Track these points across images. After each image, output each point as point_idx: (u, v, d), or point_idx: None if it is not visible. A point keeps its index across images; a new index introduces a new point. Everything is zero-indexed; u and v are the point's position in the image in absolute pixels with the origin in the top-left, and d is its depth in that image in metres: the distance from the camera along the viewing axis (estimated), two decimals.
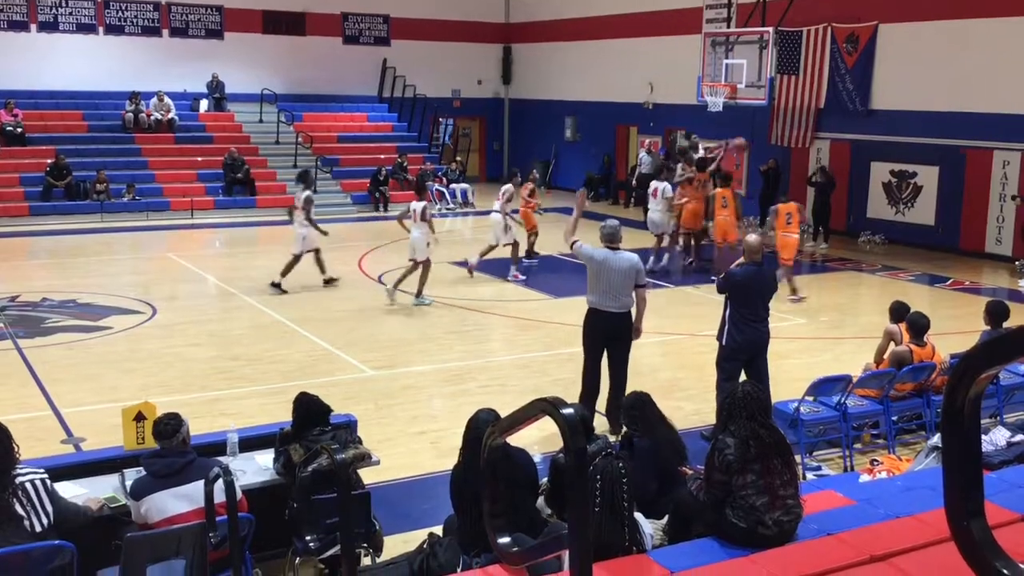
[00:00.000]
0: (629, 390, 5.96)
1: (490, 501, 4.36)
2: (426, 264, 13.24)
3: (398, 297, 13.25)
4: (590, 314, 8.36)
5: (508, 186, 16.31)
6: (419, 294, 13.26)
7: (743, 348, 8.11)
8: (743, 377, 7.88)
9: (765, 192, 20.34)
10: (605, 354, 8.45)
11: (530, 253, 16.75)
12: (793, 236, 14.29)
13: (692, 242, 16.81)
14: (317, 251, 14.25)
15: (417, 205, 13.32)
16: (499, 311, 13.04)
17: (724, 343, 8.20)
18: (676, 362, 10.99)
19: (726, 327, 8.16)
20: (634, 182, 23.64)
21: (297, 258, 14.10)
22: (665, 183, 16.39)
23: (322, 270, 14.33)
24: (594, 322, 8.35)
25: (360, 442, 5.78)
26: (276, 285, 13.95)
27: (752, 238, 8.38)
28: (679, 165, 17.80)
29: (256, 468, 5.79)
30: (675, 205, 16.31)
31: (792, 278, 14.13)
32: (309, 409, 5.72)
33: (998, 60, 17.21)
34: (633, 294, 8.28)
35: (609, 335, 8.38)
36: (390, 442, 7.99)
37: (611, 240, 8.34)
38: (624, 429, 5.77)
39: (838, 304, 14.30)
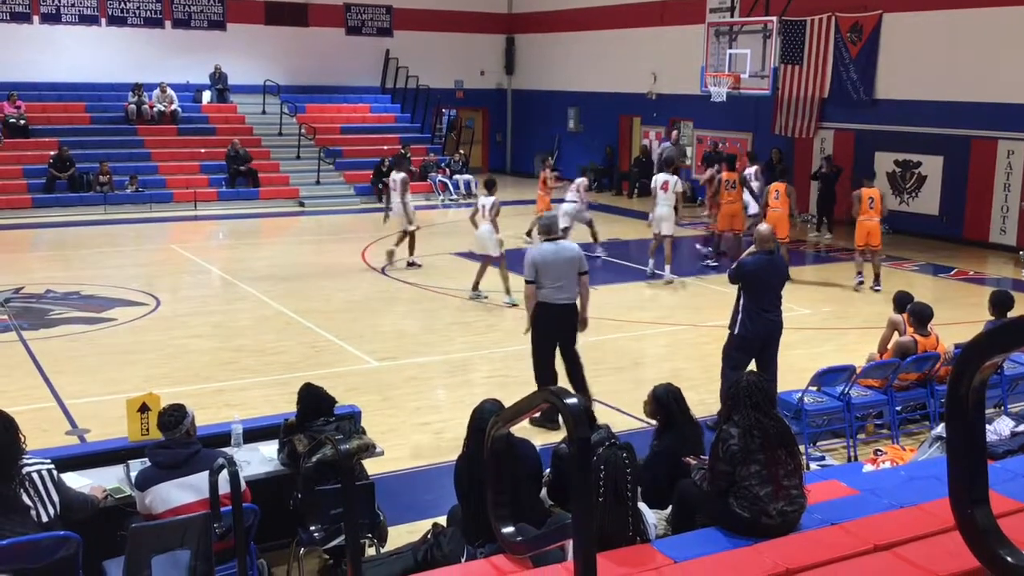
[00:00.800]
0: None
1: (494, 491, 4.37)
2: (492, 259, 12.96)
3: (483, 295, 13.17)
4: (540, 308, 8.19)
5: (583, 179, 16.78)
6: (476, 287, 13.12)
7: (756, 338, 8.10)
8: (752, 367, 7.88)
9: (769, 182, 20.25)
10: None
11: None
12: (874, 221, 14.09)
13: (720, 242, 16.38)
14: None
15: (487, 200, 13.12)
16: (501, 301, 13.02)
17: (736, 332, 8.19)
18: (679, 352, 10.98)
19: (739, 317, 8.15)
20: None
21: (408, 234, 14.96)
22: (675, 177, 15.52)
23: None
24: (545, 316, 8.20)
25: (364, 433, 5.79)
26: (412, 264, 14.78)
27: (763, 227, 8.35)
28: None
29: (260, 459, 5.80)
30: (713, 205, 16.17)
31: (878, 265, 14.25)
32: (313, 400, 5.73)
33: (1002, 49, 17.15)
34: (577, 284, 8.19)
35: (560, 327, 8.28)
36: (394, 433, 8.00)
37: (549, 232, 8.35)
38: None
39: (842, 294, 14.28)
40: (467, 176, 24.98)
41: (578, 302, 8.30)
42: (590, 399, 7.87)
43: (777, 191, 15.06)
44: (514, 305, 12.29)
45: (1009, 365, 8.44)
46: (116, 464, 5.63)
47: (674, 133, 23.13)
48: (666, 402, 5.64)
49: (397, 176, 14.27)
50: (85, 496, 5.05)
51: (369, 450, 5.63)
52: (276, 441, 5.88)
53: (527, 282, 8.18)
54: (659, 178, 14.97)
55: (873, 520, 4.60)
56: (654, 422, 5.84)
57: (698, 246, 17.47)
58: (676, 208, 14.62)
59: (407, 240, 15.11)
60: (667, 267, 14.54)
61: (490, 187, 13.46)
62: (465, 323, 12.05)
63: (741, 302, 8.19)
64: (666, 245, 14.60)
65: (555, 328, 8.27)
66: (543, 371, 8.37)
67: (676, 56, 23.24)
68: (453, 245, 17.38)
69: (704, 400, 8.89)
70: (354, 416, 6.16)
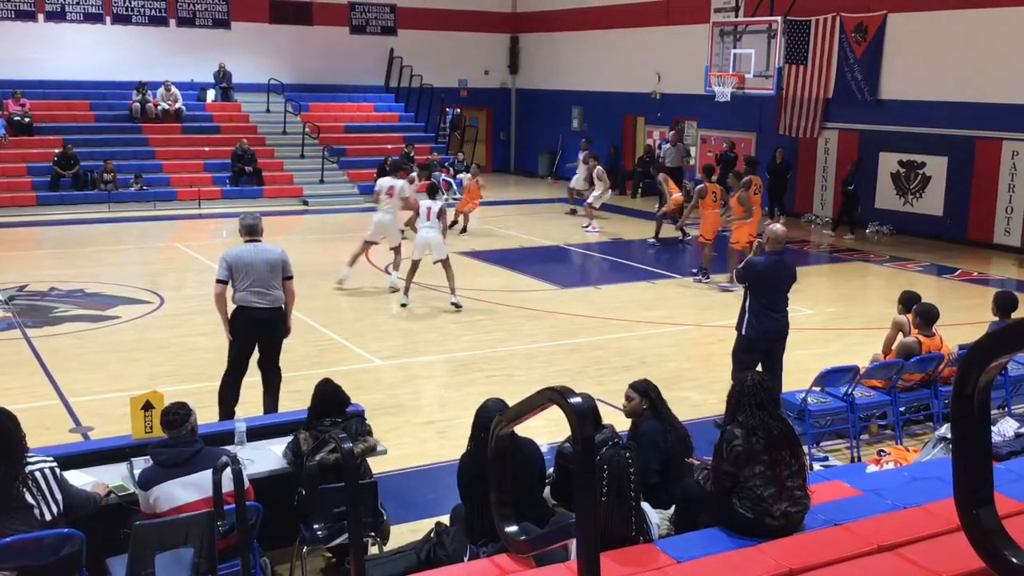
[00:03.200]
0: (638, 378, 5.94)
1: (497, 490, 4.37)
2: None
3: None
4: (237, 311, 7.83)
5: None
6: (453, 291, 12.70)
7: (762, 338, 8.09)
8: (758, 367, 7.87)
9: (774, 184, 20.28)
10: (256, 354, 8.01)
11: None
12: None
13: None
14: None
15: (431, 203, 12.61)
16: (505, 301, 13.03)
17: (743, 333, 8.18)
18: (683, 352, 10.98)
19: (746, 317, 8.14)
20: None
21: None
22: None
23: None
24: (242, 320, 7.82)
25: (371, 433, 5.77)
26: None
27: (777, 227, 8.33)
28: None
29: (264, 457, 5.80)
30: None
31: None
32: (326, 398, 5.73)
33: (1007, 50, 17.12)
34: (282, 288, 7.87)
35: (259, 332, 7.85)
36: (397, 431, 8.00)
37: (251, 233, 8.13)
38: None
39: (846, 295, 14.27)
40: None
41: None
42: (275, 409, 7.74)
43: (715, 193, 14.91)
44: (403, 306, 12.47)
45: (1013, 366, 8.43)
46: (119, 462, 5.64)
47: (672, 134, 22.91)
48: (645, 390, 5.69)
49: (398, 184, 13.56)
50: (87, 493, 5.06)
51: (373, 451, 5.65)
52: (280, 439, 5.89)
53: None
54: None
55: (876, 521, 4.59)
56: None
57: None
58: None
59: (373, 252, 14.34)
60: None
61: (433, 192, 12.86)
62: (469, 322, 12.05)
63: (748, 302, 8.17)
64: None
65: (252, 333, 7.86)
66: (228, 377, 8.01)
67: (680, 56, 23.22)
68: (458, 245, 17.38)
69: (707, 400, 8.91)
70: (361, 416, 6.16)
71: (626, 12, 25.39)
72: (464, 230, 18.61)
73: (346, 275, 13.68)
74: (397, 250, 13.66)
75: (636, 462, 4.59)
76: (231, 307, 7.87)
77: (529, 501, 5.05)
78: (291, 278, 7.91)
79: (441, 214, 12.46)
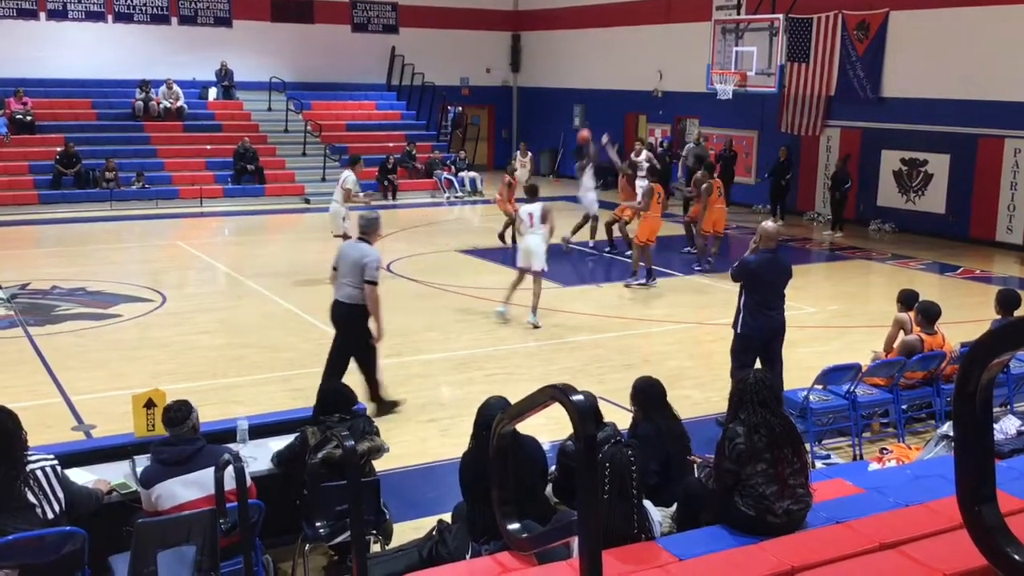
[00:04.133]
0: (639, 376, 5.94)
1: (499, 488, 4.37)
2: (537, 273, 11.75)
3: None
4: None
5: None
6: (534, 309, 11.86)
7: (758, 336, 8.08)
8: (758, 365, 7.87)
9: (776, 182, 20.27)
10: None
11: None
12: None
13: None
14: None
15: (533, 208, 11.86)
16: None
17: (739, 331, 8.18)
18: (684, 350, 10.97)
19: (741, 315, 8.14)
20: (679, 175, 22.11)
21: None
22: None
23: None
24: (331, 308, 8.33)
25: (377, 433, 5.77)
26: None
27: (768, 225, 8.32)
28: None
29: (266, 455, 5.80)
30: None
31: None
32: (330, 395, 5.73)
33: (1010, 48, 17.10)
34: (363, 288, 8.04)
35: (336, 323, 8.28)
36: (399, 430, 8.00)
37: (360, 230, 8.42)
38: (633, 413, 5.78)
39: (848, 292, 14.26)
40: (472, 173, 24.98)
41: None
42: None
43: (719, 189, 15.42)
44: (503, 315, 11.83)
45: (1015, 364, 8.41)
46: (122, 460, 5.64)
47: (695, 135, 22.72)
48: (639, 399, 5.68)
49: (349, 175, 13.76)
50: (89, 490, 5.06)
51: (379, 451, 5.64)
52: (283, 437, 5.90)
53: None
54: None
55: (879, 519, 4.59)
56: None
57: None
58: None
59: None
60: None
61: (533, 193, 12.27)
62: (470, 320, 12.05)
63: (742, 300, 8.17)
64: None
65: (333, 322, 8.36)
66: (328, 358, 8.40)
67: (682, 54, 23.21)
68: (458, 242, 17.39)
69: (709, 398, 8.90)
70: (367, 415, 6.17)
71: (627, 10, 25.38)
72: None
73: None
74: (342, 239, 13.50)
75: (638, 460, 4.59)
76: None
77: (531, 499, 5.04)
78: (371, 282, 7.99)
79: (545, 217, 11.62)
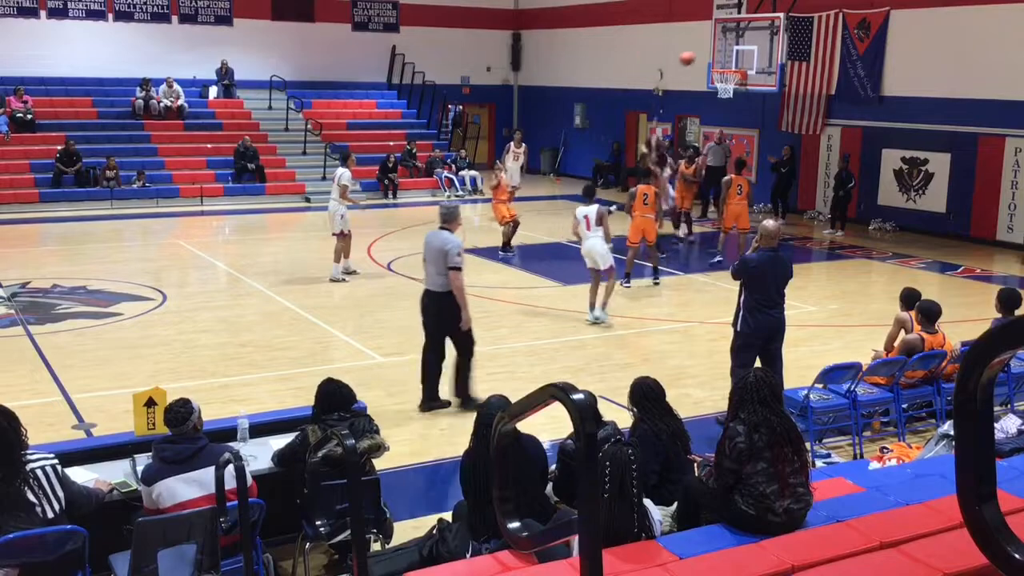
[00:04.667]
0: (639, 375, 5.94)
1: (500, 487, 4.37)
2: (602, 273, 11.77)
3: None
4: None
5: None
6: (603, 305, 11.84)
7: (757, 335, 8.09)
8: (757, 363, 7.87)
9: (779, 181, 20.25)
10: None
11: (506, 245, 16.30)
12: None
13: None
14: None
15: (588, 210, 11.80)
16: (507, 298, 13.03)
17: (739, 330, 8.18)
18: (685, 349, 10.97)
19: (741, 313, 8.14)
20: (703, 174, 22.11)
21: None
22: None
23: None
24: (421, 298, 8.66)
25: (378, 432, 5.77)
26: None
27: (769, 224, 8.33)
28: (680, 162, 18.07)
29: (266, 454, 5.80)
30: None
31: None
32: (328, 395, 5.72)
33: (1010, 46, 17.09)
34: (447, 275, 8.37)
35: (425, 311, 8.59)
36: (400, 428, 8.01)
37: (441, 220, 8.69)
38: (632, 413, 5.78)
39: (848, 291, 14.26)
40: (472, 172, 24.98)
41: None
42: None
43: (740, 185, 15.46)
44: (596, 322, 11.57)
45: (1016, 363, 8.42)
46: (122, 458, 5.64)
47: (717, 134, 22.30)
48: (636, 401, 5.66)
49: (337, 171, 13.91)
50: (90, 490, 5.06)
51: (380, 450, 5.64)
52: (284, 435, 5.90)
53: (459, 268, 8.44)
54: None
55: (879, 517, 4.59)
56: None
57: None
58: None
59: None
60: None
61: (589, 194, 12.27)
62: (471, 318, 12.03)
63: (743, 299, 8.18)
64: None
65: (423, 311, 8.69)
66: (423, 353, 8.79)
67: (683, 52, 23.16)
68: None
69: (711, 396, 8.91)
70: (367, 414, 6.16)
71: (628, 9, 25.36)
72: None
73: (338, 272, 13.88)
74: (339, 236, 13.84)
75: (638, 459, 4.59)
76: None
77: (531, 498, 5.05)
78: (454, 268, 8.28)
79: (601, 219, 11.59)
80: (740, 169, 16.00)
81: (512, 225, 16.23)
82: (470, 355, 8.61)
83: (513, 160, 20.00)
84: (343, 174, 13.86)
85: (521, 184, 20.14)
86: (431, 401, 8.65)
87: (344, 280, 13.87)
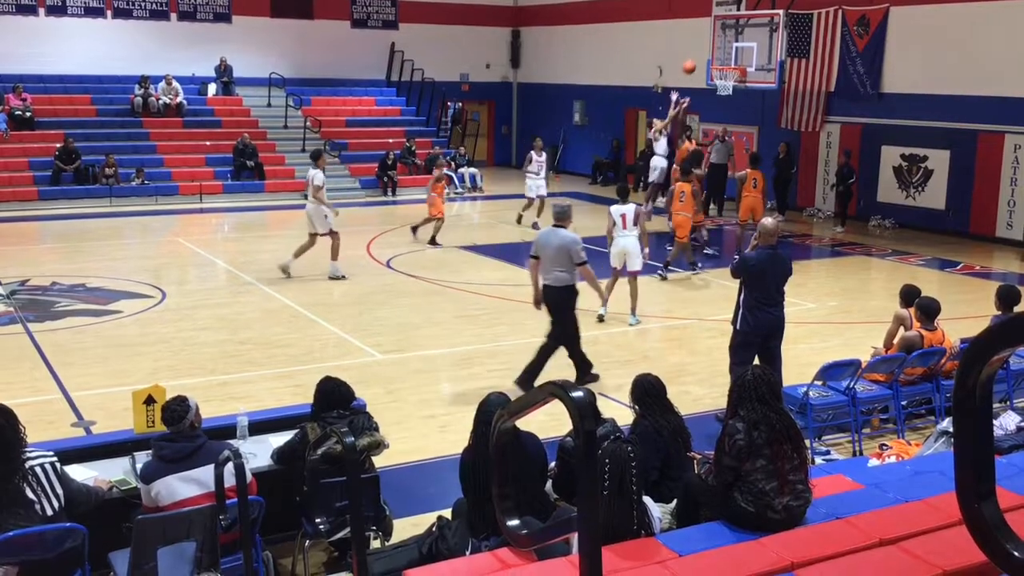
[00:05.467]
0: (640, 372, 5.94)
1: (499, 485, 4.37)
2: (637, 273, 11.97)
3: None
4: (544, 286, 9.06)
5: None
6: (633, 310, 11.87)
7: (757, 332, 8.09)
8: (757, 361, 7.87)
9: (779, 177, 20.24)
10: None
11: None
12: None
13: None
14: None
15: (625, 209, 11.81)
16: (507, 295, 13.03)
17: (738, 327, 8.18)
18: (685, 347, 10.97)
19: (740, 311, 8.14)
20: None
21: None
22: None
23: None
24: (543, 292, 9.08)
25: (377, 429, 5.77)
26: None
27: (768, 221, 8.34)
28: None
29: (266, 451, 5.80)
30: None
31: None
32: (327, 393, 5.72)
33: (1010, 43, 17.08)
34: (572, 271, 8.88)
35: (549, 305, 9.05)
36: (399, 426, 8.00)
37: (556, 219, 9.21)
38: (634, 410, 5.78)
39: (847, 289, 14.26)
40: (472, 169, 24.97)
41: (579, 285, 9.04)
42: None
43: (755, 179, 15.73)
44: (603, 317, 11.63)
45: (1015, 360, 8.42)
46: (122, 456, 5.65)
47: (720, 131, 22.20)
48: (637, 398, 5.68)
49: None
50: (89, 488, 5.06)
51: (379, 447, 5.63)
52: (283, 433, 5.90)
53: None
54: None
55: (878, 514, 4.59)
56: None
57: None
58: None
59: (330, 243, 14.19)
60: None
61: (624, 194, 12.13)
62: (470, 316, 12.05)
63: (742, 297, 8.18)
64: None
65: (547, 306, 9.12)
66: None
67: (682, 49, 23.10)
68: (459, 239, 17.38)
69: (711, 394, 8.91)
70: (366, 412, 6.16)
71: (627, 6, 25.34)
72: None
73: (337, 271, 13.97)
74: (321, 238, 13.94)
75: (638, 456, 4.59)
76: (542, 282, 9.08)
77: (531, 495, 5.05)
78: (582, 263, 8.88)
79: (638, 218, 11.70)
80: (755, 164, 16.21)
81: (440, 221, 16.77)
82: (558, 346, 9.07)
83: (538, 168, 18.60)
84: (315, 175, 13.83)
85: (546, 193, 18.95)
86: (586, 374, 9.15)
87: (343, 278, 13.85)
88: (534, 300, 9.19)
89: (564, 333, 9.04)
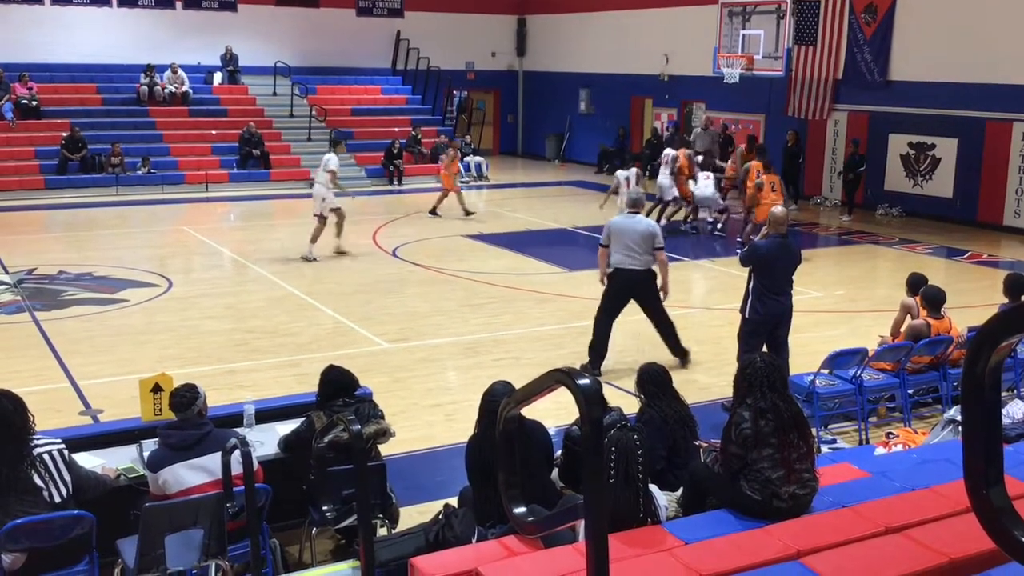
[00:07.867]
0: (645, 361, 5.94)
1: (505, 473, 4.37)
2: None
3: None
4: (613, 272, 9.24)
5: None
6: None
7: (765, 321, 8.09)
8: (764, 349, 7.86)
9: (788, 166, 20.18)
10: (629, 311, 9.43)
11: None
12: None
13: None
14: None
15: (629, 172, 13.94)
16: (513, 284, 13.03)
17: (747, 316, 8.18)
18: (692, 335, 10.94)
19: (749, 300, 8.14)
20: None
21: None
22: (672, 151, 16.91)
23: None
24: (617, 278, 9.23)
25: (383, 417, 5.78)
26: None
27: (777, 210, 8.32)
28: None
29: (273, 439, 5.82)
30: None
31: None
32: (332, 381, 5.73)
33: (1018, 31, 16.99)
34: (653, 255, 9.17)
35: (631, 289, 9.25)
36: (405, 414, 8.02)
37: (631, 206, 9.56)
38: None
39: (854, 277, 14.23)
40: (478, 158, 24.93)
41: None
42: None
43: (773, 183, 15.20)
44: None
45: (1022, 349, 8.39)
46: (129, 444, 5.66)
47: (704, 119, 22.02)
48: (641, 387, 5.70)
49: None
50: (98, 476, 5.08)
51: (385, 435, 5.64)
52: (290, 421, 5.91)
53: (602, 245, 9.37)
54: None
55: (885, 503, 4.59)
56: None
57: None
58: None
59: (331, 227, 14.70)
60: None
61: (625, 163, 14.16)
62: (476, 304, 12.05)
63: (751, 285, 8.17)
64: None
65: (624, 290, 9.35)
66: (596, 328, 9.39)
67: (689, 37, 23.08)
68: (465, 227, 17.38)
69: (717, 382, 8.90)
70: (371, 399, 6.17)
71: None
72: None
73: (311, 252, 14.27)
74: (329, 219, 14.29)
75: (644, 444, 4.59)
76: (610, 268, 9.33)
77: (537, 483, 5.05)
78: (660, 248, 9.19)
79: (639, 180, 13.47)
80: (762, 154, 15.80)
81: (446, 193, 18.35)
82: (668, 319, 9.48)
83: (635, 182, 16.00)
84: (330, 159, 14.18)
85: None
86: (683, 356, 9.54)
87: (314, 260, 14.13)
88: (600, 280, 9.56)
89: (662, 309, 9.44)
